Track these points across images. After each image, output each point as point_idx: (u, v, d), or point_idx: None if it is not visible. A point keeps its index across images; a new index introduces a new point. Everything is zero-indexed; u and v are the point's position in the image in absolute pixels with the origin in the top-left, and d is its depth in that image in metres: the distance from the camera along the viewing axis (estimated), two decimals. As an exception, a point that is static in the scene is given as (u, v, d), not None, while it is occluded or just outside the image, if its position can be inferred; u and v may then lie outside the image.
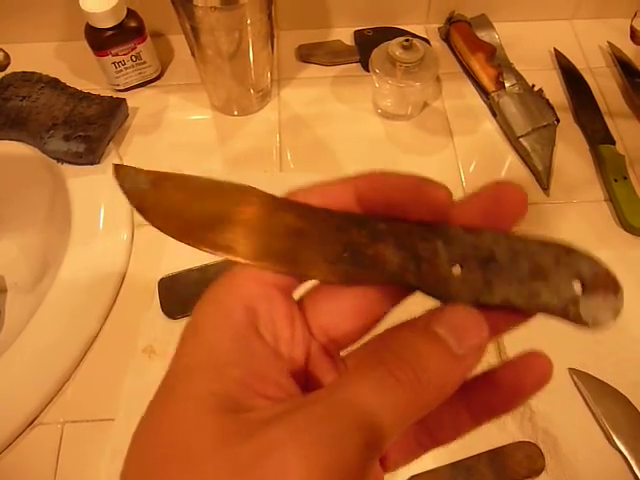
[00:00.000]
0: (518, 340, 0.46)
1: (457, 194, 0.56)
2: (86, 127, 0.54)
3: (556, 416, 0.43)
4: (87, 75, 0.61)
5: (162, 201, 0.19)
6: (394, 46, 0.53)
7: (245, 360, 0.17)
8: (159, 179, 0.20)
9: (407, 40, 0.53)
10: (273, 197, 0.20)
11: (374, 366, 0.17)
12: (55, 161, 0.54)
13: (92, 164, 0.54)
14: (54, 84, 0.57)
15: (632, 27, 0.49)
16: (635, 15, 0.49)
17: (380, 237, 0.19)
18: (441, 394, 0.17)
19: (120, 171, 0.20)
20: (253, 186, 0.20)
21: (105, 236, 0.51)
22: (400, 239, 0.19)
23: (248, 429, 0.15)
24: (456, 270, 0.19)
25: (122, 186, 0.19)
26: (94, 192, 0.53)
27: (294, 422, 0.15)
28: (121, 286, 0.49)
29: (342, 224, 0.19)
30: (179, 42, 0.62)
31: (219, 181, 0.20)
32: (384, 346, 0.18)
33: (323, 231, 0.19)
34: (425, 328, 0.18)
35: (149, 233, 0.51)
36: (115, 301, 0.48)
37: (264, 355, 0.18)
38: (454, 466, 0.41)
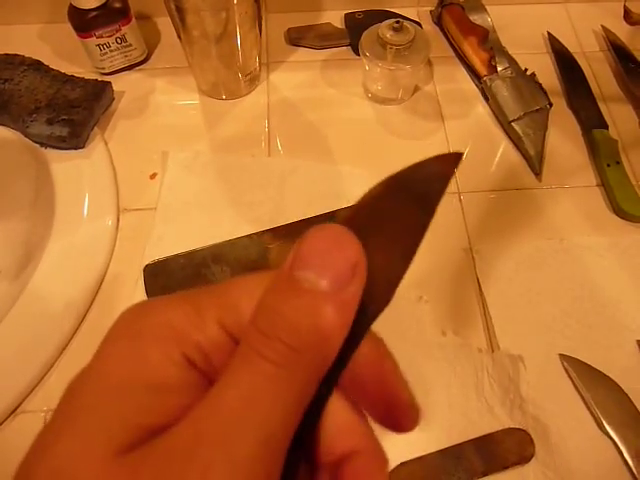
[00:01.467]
0: (510, 327, 0.46)
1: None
2: (70, 111, 0.52)
3: (546, 403, 0.43)
4: (72, 58, 0.60)
5: None
6: (384, 28, 0.52)
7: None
8: None
9: (397, 22, 0.52)
10: None
11: (242, 355, 0.15)
12: (38, 145, 0.53)
13: (76, 148, 0.53)
14: (37, 67, 0.55)
15: (625, 7, 0.48)
16: (629, -6, 0.48)
17: None
18: (329, 344, 0.15)
19: None
20: None
21: (89, 222, 0.50)
22: None
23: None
24: None
25: None
26: (78, 177, 0.52)
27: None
28: (106, 272, 0.48)
29: None
30: (166, 25, 0.61)
31: None
32: (251, 322, 0.15)
33: None
34: (287, 277, 0.15)
35: (134, 219, 0.50)
36: (100, 287, 0.47)
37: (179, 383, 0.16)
38: (443, 453, 0.40)
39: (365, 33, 0.54)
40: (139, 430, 0.14)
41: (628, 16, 0.47)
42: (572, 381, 0.44)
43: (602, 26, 0.64)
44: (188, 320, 0.16)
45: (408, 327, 0.46)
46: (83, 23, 0.53)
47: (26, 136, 0.53)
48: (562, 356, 0.45)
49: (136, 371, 0.15)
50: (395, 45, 0.52)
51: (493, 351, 0.45)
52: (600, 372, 0.44)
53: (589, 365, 0.44)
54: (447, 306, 0.47)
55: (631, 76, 0.60)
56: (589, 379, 0.44)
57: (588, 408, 0.43)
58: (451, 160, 0.18)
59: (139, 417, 0.14)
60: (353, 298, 0.15)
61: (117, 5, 0.54)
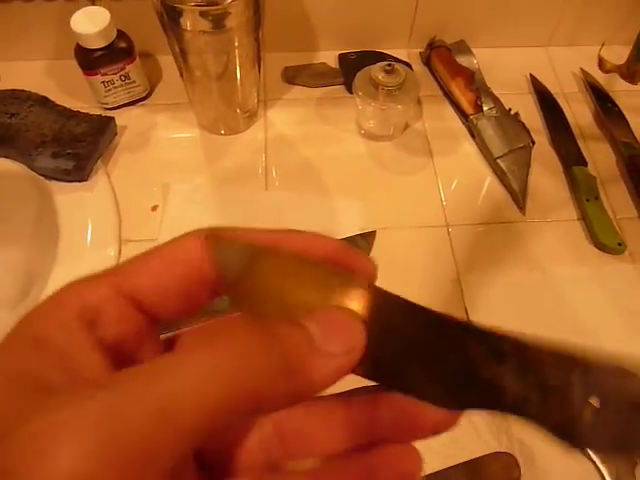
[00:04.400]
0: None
1: (437, 212, 0.58)
2: (75, 145, 0.54)
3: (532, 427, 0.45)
4: (76, 93, 0.62)
5: (258, 285, 0.18)
6: (376, 70, 0.55)
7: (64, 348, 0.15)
8: (255, 257, 0.18)
9: (389, 65, 0.55)
10: (378, 291, 0.18)
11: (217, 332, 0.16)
12: (43, 178, 0.55)
13: (80, 181, 0.55)
14: (43, 102, 0.57)
15: (600, 56, 0.52)
16: (602, 45, 0.52)
17: (502, 358, 0.16)
18: (293, 383, 0.15)
19: (214, 245, 0.18)
20: (354, 274, 0.19)
21: (92, 252, 0.51)
22: (525, 362, 0.16)
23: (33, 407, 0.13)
24: (590, 409, 0.15)
25: (216, 263, 0.18)
26: (82, 208, 0.54)
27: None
28: (108, 301, 0.49)
29: (458, 334, 0.17)
30: (168, 62, 0.63)
31: (318, 265, 0.18)
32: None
33: (435, 340, 0.17)
34: (296, 321, 0.16)
35: (136, 249, 0.52)
36: (101, 316, 0.49)
37: (86, 345, 0.16)
38: (430, 477, 0.42)
39: (358, 74, 0.57)
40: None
41: (602, 65, 0.50)
42: (556, 407, 0.46)
43: (581, 69, 0.68)
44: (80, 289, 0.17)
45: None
46: (89, 62, 0.56)
47: (32, 169, 0.54)
48: (546, 383, 0.47)
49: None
50: (387, 86, 0.55)
51: (481, 378, 0.47)
52: (583, 399, 0.46)
53: (572, 392, 0.46)
54: (437, 335, 0.49)
55: (608, 115, 0.63)
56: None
57: (572, 433, 0.45)
58: None
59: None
60: (341, 370, 0.16)
61: (122, 45, 0.57)
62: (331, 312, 0.17)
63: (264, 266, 0.18)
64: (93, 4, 0.58)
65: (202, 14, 0.46)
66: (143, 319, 0.18)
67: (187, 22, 0.47)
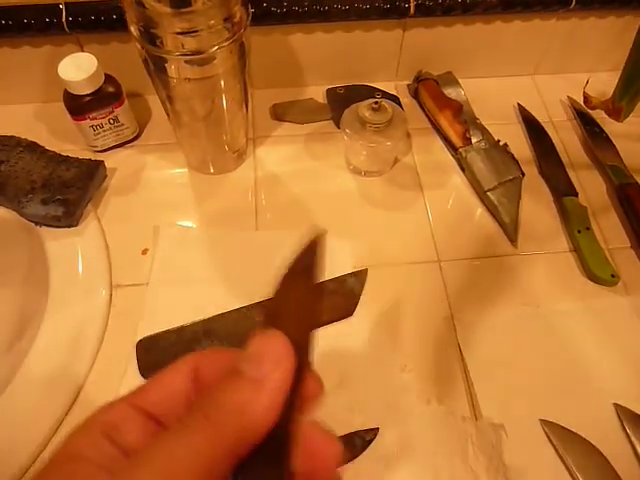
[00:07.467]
0: (491, 394, 0.48)
1: (429, 248, 0.57)
2: (64, 191, 0.54)
3: (529, 469, 0.44)
4: (66, 136, 0.62)
5: None
6: (363, 108, 0.55)
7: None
8: None
9: (376, 103, 0.55)
10: None
11: (172, 424, 0.19)
12: (33, 224, 0.55)
13: (70, 227, 0.55)
14: (33, 148, 0.57)
15: (585, 93, 0.52)
16: (587, 83, 0.52)
17: None
18: (247, 424, 0.18)
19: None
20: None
21: (83, 298, 0.51)
22: None
23: None
24: None
25: None
26: (72, 254, 0.54)
27: None
28: (99, 348, 0.49)
29: None
30: (156, 102, 0.63)
31: None
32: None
33: None
34: (232, 368, 0.19)
35: (127, 294, 0.52)
36: (94, 363, 0.48)
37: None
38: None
39: (346, 112, 0.58)
40: None
41: (588, 101, 0.51)
42: (553, 446, 0.45)
43: (568, 96, 0.68)
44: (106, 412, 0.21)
45: (393, 396, 0.47)
46: (78, 107, 0.56)
47: (22, 216, 0.54)
48: (543, 421, 0.46)
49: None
50: (374, 124, 0.55)
51: (477, 419, 0.46)
52: (580, 436, 0.46)
53: (569, 430, 0.46)
54: (431, 374, 0.48)
55: (595, 140, 0.63)
56: (569, 444, 0.45)
57: (569, 472, 0.44)
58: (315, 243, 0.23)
59: None
60: (277, 383, 0.19)
61: (110, 89, 0.57)
62: (257, 340, 0.20)
63: None
64: (82, 50, 0.59)
65: (187, 62, 0.47)
66: (154, 424, 0.22)
67: (173, 70, 0.48)
